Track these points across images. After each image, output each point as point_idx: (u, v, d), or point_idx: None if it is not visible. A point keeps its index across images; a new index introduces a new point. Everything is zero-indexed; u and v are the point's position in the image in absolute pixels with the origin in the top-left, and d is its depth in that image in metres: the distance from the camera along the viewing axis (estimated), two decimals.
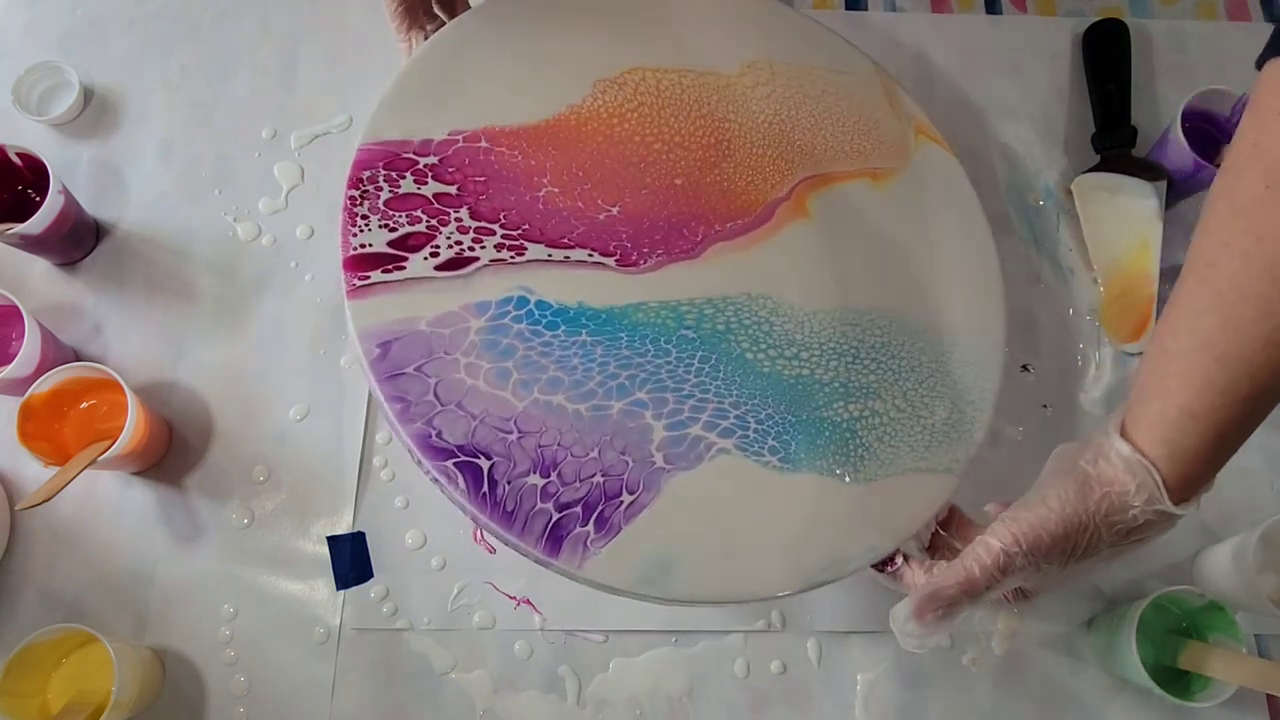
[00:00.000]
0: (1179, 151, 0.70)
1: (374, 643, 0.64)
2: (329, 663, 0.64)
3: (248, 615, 0.65)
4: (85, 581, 0.65)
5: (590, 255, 0.52)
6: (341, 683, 0.64)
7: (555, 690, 0.64)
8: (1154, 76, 0.79)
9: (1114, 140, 0.75)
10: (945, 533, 0.53)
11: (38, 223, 0.65)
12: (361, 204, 0.51)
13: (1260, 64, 0.41)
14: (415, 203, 0.52)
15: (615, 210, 0.54)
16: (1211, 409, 0.39)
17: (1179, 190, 0.73)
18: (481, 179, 0.53)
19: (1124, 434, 0.42)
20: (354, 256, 0.50)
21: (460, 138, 0.53)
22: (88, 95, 0.76)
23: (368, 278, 0.50)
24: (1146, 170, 0.73)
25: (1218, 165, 0.61)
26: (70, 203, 0.68)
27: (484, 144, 0.53)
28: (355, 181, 0.52)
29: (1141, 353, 0.71)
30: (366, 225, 0.51)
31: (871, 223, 0.59)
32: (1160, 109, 0.78)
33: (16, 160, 0.67)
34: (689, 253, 0.54)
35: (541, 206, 0.53)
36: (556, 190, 0.53)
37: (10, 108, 0.74)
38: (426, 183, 0.52)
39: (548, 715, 0.63)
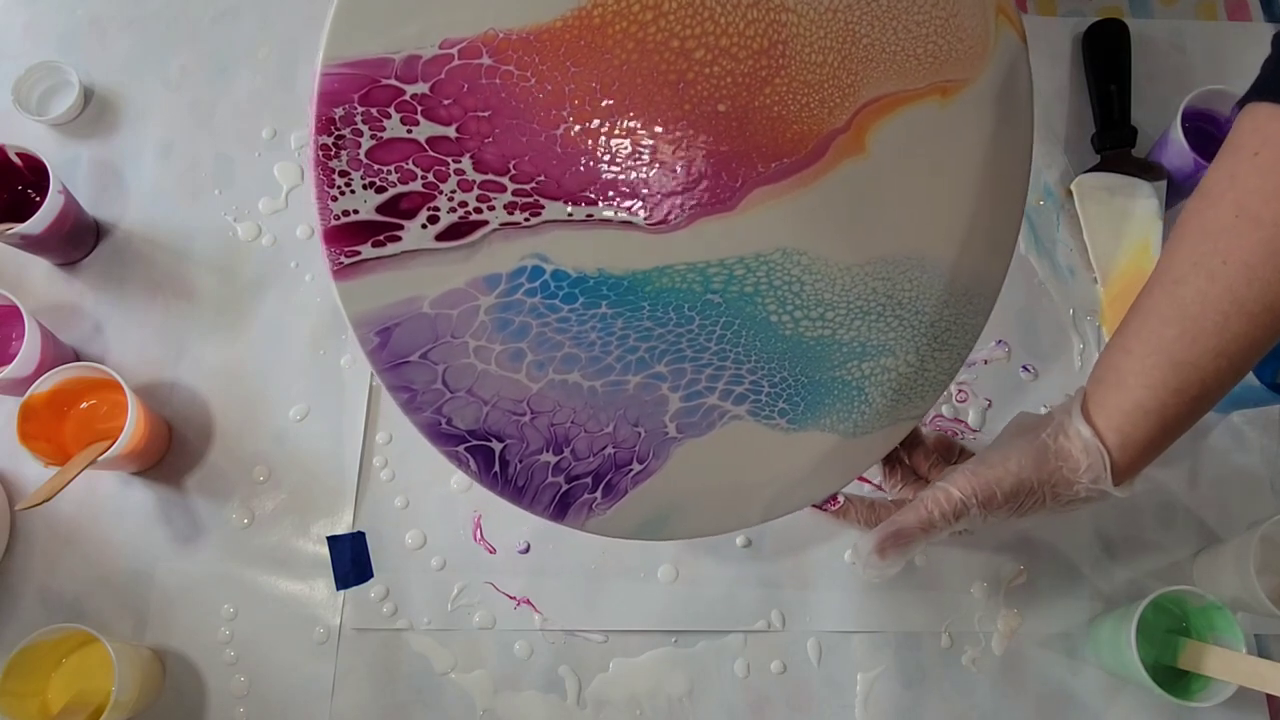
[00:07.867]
0: (1179, 151, 0.70)
1: (374, 643, 0.64)
2: (329, 663, 0.64)
3: (248, 615, 0.65)
4: (85, 581, 0.65)
5: (616, 212, 0.45)
6: (341, 683, 0.64)
7: (555, 690, 0.64)
8: (1154, 76, 0.79)
9: (1114, 140, 0.75)
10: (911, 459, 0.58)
11: (38, 223, 0.65)
12: (338, 155, 0.41)
13: (1242, 103, 0.45)
14: (405, 151, 0.42)
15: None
16: (1163, 407, 0.44)
17: (1179, 190, 0.73)
18: (485, 114, 0.42)
19: (1085, 417, 0.47)
20: (336, 227, 0.41)
21: (455, 52, 0.41)
22: (88, 95, 0.76)
23: (357, 253, 0.42)
24: (1146, 170, 0.73)
25: None
26: (70, 203, 0.68)
27: (486, 60, 0.42)
28: (325, 123, 0.40)
29: None
30: (347, 185, 0.41)
31: (930, 157, 0.50)
32: (1160, 109, 0.78)
33: (16, 160, 0.67)
34: (725, 203, 0.46)
35: (559, 150, 0.44)
36: (578, 126, 0.44)
37: (10, 108, 0.74)
38: (418, 123, 0.41)
39: (548, 715, 0.63)
